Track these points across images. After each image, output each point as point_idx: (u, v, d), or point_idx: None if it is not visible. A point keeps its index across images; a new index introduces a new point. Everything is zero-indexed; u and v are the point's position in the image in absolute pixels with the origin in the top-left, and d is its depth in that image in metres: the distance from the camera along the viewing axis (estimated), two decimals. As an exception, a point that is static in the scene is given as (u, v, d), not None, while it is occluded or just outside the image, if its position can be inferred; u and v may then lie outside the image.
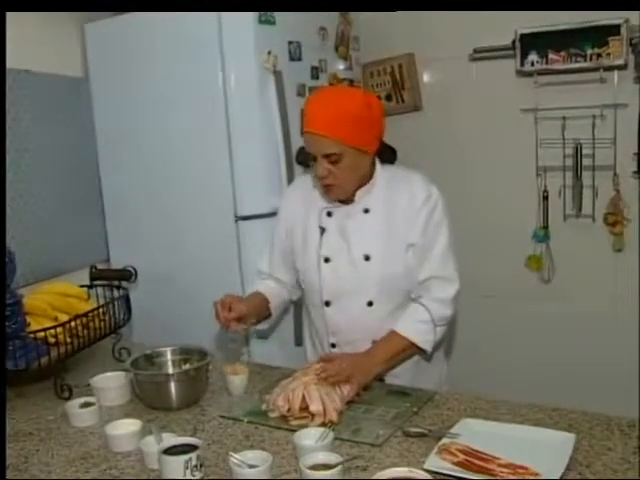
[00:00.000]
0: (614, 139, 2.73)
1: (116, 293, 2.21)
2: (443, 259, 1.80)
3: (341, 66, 2.80)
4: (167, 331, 2.44)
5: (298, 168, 2.36)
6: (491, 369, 3.05)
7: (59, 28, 2.58)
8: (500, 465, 1.29)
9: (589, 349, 2.90)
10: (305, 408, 1.56)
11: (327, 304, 1.86)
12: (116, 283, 2.25)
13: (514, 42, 2.80)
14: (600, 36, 2.63)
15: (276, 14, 2.38)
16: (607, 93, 2.71)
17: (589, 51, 2.67)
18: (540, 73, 2.80)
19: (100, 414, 1.67)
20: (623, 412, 1.51)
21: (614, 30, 2.61)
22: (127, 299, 2.17)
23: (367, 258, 1.79)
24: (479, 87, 3.00)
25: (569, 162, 2.84)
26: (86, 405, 1.68)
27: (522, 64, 2.81)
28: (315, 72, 2.62)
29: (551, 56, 2.74)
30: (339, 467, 1.27)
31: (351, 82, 2.87)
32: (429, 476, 1.23)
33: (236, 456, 1.32)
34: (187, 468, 1.30)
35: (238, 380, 1.78)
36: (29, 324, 1.90)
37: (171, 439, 1.40)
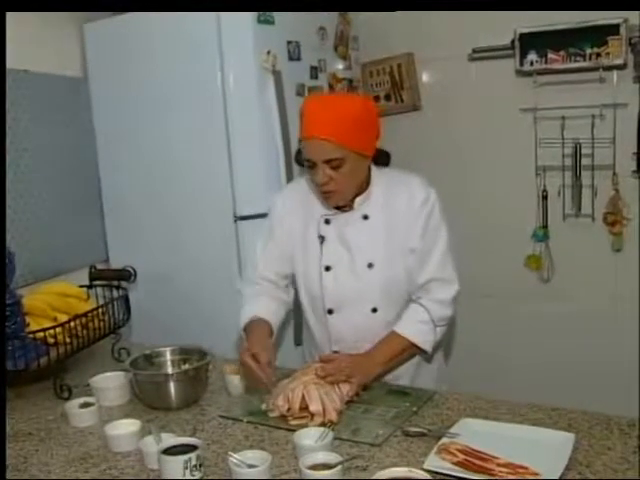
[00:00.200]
0: (613, 139, 2.73)
1: (115, 293, 2.21)
2: (442, 261, 1.80)
3: (340, 66, 2.80)
4: (166, 331, 2.44)
5: (297, 168, 2.36)
6: (490, 369, 3.05)
7: (58, 28, 2.58)
8: (500, 465, 1.29)
9: (588, 348, 2.89)
10: (305, 408, 1.56)
11: (330, 312, 1.85)
12: (115, 283, 2.25)
13: (513, 42, 2.80)
14: (599, 36, 2.63)
15: (275, 14, 2.38)
16: (606, 93, 2.70)
17: (588, 51, 2.67)
18: (539, 73, 2.80)
19: (99, 414, 1.67)
20: (622, 411, 1.51)
21: (613, 30, 2.60)
22: (126, 299, 2.17)
23: (370, 266, 1.78)
24: (478, 87, 3.00)
25: (568, 162, 2.84)
26: (85, 405, 1.68)
27: (521, 64, 2.80)
28: (314, 72, 2.62)
29: (550, 56, 2.74)
30: (339, 467, 1.27)
31: (350, 82, 2.87)
32: (428, 476, 1.23)
33: (235, 456, 1.31)
34: (186, 468, 1.30)
35: (238, 380, 1.77)
36: (28, 324, 1.90)
37: (170, 439, 1.41)
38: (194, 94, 2.42)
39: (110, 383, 1.79)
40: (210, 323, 2.46)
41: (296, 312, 2.30)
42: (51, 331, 1.86)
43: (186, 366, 1.81)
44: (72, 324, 1.92)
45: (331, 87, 2.72)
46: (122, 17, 2.52)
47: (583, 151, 2.79)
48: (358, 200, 1.80)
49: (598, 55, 2.65)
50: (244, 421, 1.61)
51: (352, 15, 2.85)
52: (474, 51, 2.95)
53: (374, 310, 1.81)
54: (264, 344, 1.72)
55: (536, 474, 1.25)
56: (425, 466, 1.29)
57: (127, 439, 1.49)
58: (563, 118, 2.79)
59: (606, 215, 2.81)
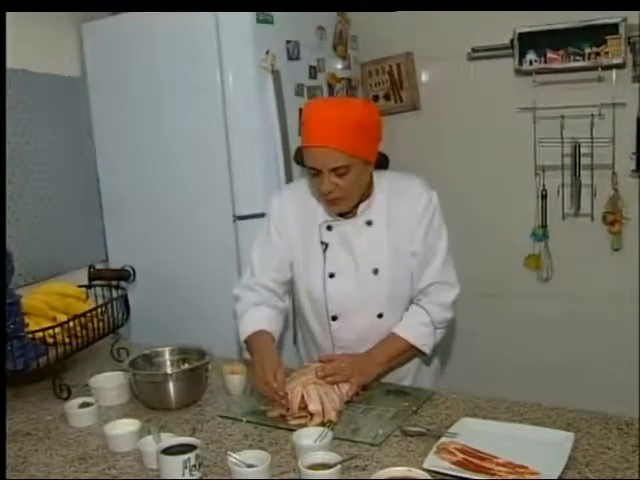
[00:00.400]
0: (612, 138, 2.73)
1: (114, 293, 2.20)
2: (444, 264, 1.80)
3: (339, 65, 2.80)
4: (166, 331, 2.45)
5: (296, 167, 2.36)
6: (490, 368, 3.05)
7: (56, 27, 2.57)
8: (499, 464, 1.29)
9: (587, 347, 2.90)
10: (304, 408, 1.56)
11: (334, 319, 1.83)
12: (114, 283, 2.25)
13: (512, 41, 2.80)
14: (598, 35, 2.63)
15: (274, 13, 2.38)
16: (605, 92, 2.71)
17: (587, 50, 2.67)
18: (538, 72, 2.80)
19: (99, 414, 1.67)
20: (622, 411, 1.52)
21: (612, 29, 2.60)
22: (125, 299, 2.17)
23: (375, 271, 1.77)
24: (477, 86, 3.00)
25: (568, 161, 2.84)
26: (85, 405, 1.68)
27: (520, 63, 2.81)
28: (313, 71, 2.62)
29: (549, 55, 2.74)
30: (338, 466, 1.27)
31: (349, 81, 2.87)
32: (428, 475, 1.23)
33: (235, 456, 1.31)
34: (186, 468, 1.30)
35: (237, 380, 1.78)
36: (27, 324, 1.89)
37: (170, 439, 1.40)
38: (193, 94, 2.42)
39: (109, 383, 1.79)
40: (209, 323, 2.45)
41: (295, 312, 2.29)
42: (50, 331, 1.86)
43: (185, 366, 1.81)
44: (71, 324, 1.92)
45: (330, 87, 2.72)
46: (120, 17, 2.52)
47: (582, 150, 2.80)
48: (362, 206, 1.78)
49: (597, 54, 2.65)
50: (243, 421, 1.61)
51: (351, 15, 2.85)
52: (473, 50, 2.95)
53: (380, 316, 1.81)
54: (275, 364, 1.66)
55: (535, 473, 1.25)
56: (424, 466, 1.29)
57: (126, 439, 1.49)
58: (562, 117, 2.79)
59: (605, 214, 2.82)
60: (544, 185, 2.91)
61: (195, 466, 1.31)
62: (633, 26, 2.60)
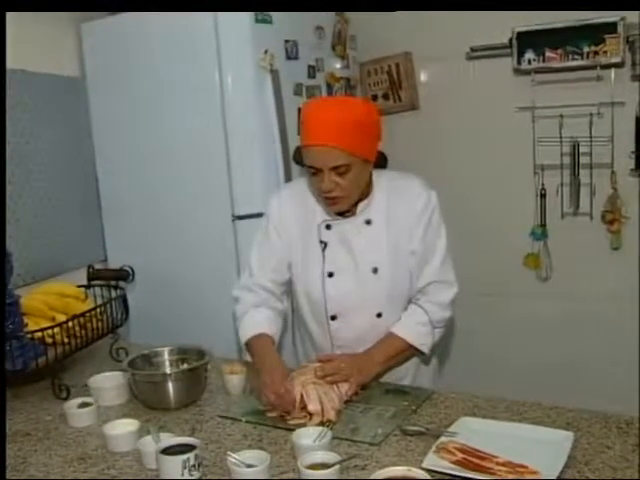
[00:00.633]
0: (611, 137, 2.73)
1: (114, 293, 2.20)
2: (442, 264, 1.80)
3: (338, 65, 2.80)
4: (165, 331, 2.44)
5: (296, 167, 2.36)
6: (489, 367, 3.05)
7: (55, 27, 2.57)
8: (498, 463, 1.29)
9: (587, 347, 2.90)
10: (303, 407, 1.56)
11: (333, 318, 1.83)
12: (114, 283, 2.25)
13: (511, 40, 2.80)
14: (597, 34, 2.63)
15: (273, 13, 2.38)
16: (604, 91, 2.70)
17: (586, 49, 2.66)
18: (537, 71, 2.80)
19: (98, 414, 1.67)
20: (621, 410, 1.51)
21: (611, 28, 2.60)
22: (124, 299, 2.17)
23: (375, 271, 1.77)
24: (476, 85, 3.00)
25: (566, 160, 2.84)
26: (84, 405, 1.68)
27: (519, 62, 2.80)
28: (312, 71, 2.62)
29: (548, 54, 2.74)
30: (337, 466, 1.27)
31: (348, 81, 2.87)
32: (427, 475, 1.23)
33: (234, 455, 1.31)
34: (185, 468, 1.30)
35: (236, 380, 1.78)
36: (26, 324, 1.89)
37: (169, 439, 1.40)
38: (192, 93, 2.42)
39: (108, 383, 1.79)
40: (208, 323, 2.46)
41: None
42: (49, 331, 1.86)
43: (184, 366, 1.81)
44: (70, 324, 1.92)
45: (329, 86, 2.72)
46: (120, 17, 2.52)
47: (581, 149, 2.79)
48: (361, 205, 1.78)
49: (596, 53, 2.65)
50: (243, 421, 1.61)
51: (350, 14, 2.85)
52: (472, 50, 2.95)
53: (379, 315, 1.80)
54: (285, 374, 1.65)
55: (535, 473, 1.25)
56: (424, 465, 1.29)
57: (125, 439, 1.49)
58: (561, 116, 2.79)
59: (604, 213, 2.81)
60: (543, 184, 2.91)
61: (194, 466, 1.31)
62: (632, 25, 2.60)
